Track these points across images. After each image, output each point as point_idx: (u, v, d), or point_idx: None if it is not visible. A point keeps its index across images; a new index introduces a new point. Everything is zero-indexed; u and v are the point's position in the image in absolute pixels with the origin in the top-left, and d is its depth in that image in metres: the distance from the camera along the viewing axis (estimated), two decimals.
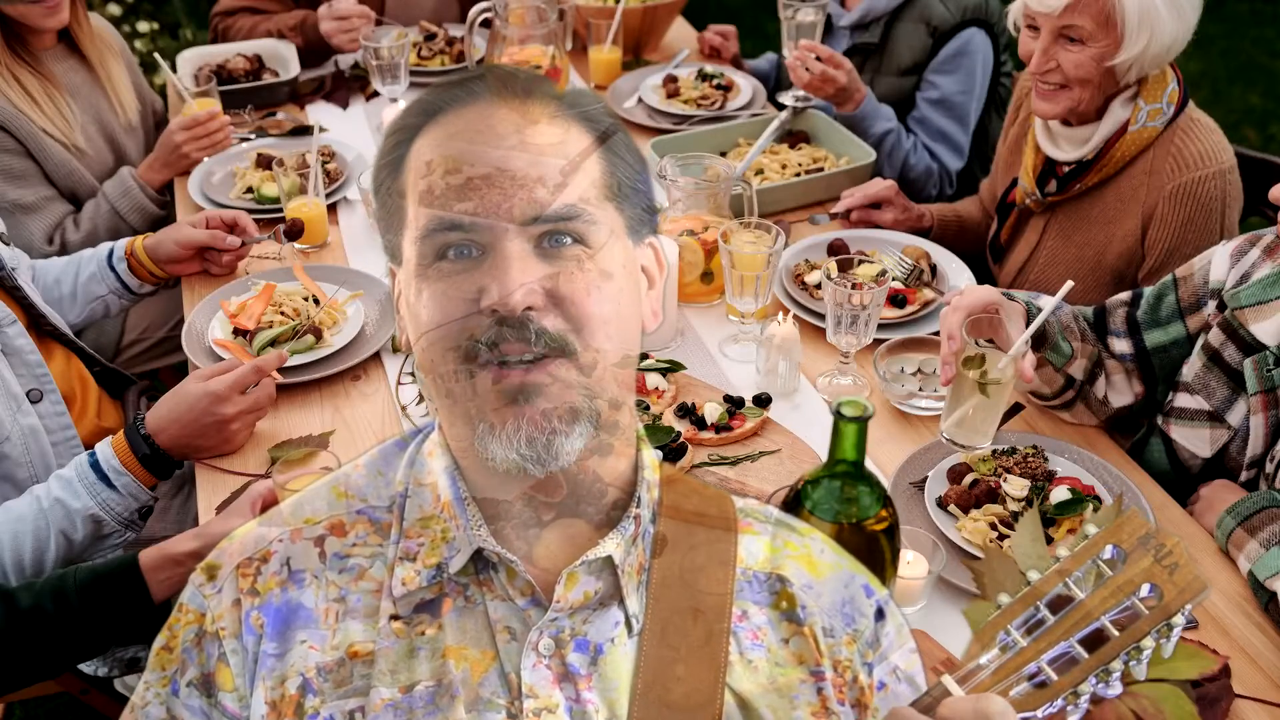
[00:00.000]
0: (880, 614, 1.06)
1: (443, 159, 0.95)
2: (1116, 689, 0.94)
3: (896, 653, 1.07)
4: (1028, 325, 1.75)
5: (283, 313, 2.22)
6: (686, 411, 1.97)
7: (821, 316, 2.15)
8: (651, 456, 1.07)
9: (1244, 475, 1.79)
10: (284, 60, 3.22)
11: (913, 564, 1.58)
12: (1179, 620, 0.93)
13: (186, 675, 1.03)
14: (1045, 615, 0.95)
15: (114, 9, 5.10)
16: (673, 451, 1.87)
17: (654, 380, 2.03)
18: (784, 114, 2.81)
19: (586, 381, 0.95)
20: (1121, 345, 1.91)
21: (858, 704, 1.03)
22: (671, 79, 3.15)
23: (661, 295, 1.07)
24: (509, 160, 0.93)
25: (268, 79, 3.15)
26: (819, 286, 2.26)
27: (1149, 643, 0.93)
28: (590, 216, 0.96)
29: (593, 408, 0.95)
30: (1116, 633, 0.93)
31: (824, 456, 1.38)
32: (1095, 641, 0.94)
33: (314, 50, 3.25)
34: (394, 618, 1.00)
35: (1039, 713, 0.94)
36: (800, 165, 2.72)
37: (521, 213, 0.93)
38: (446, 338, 0.94)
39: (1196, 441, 1.84)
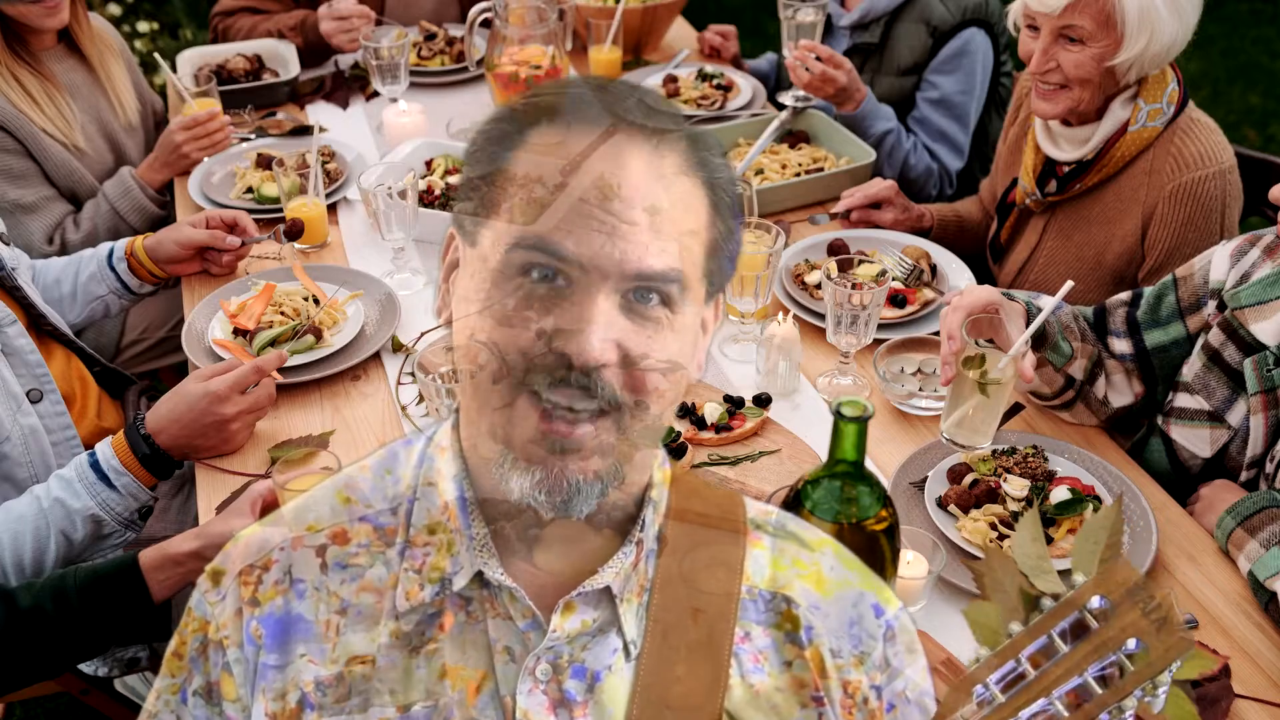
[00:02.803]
0: (890, 634, 1.04)
1: (558, 180, 0.89)
2: None
3: (908, 670, 1.05)
4: (1028, 325, 1.75)
5: (283, 313, 2.22)
6: (686, 411, 1.97)
7: (821, 316, 2.15)
8: (661, 472, 1.04)
9: (1244, 475, 1.79)
10: (284, 60, 3.22)
11: (913, 564, 1.58)
12: (1164, 679, 0.89)
13: (193, 684, 1.03)
14: (1026, 669, 0.90)
15: (114, 9, 5.10)
16: (673, 451, 1.87)
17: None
18: (784, 114, 2.81)
19: (621, 447, 0.93)
20: (1121, 345, 1.91)
21: None
22: (671, 79, 3.15)
23: (709, 343, 1.05)
24: (630, 211, 0.88)
25: (268, 79, 3.15)
26: (819, 286, 2.26)
27: (1131, 703, 0.89)
28: (685, 283, 0.92)
29: (619, 470, 0.93)
30: (1099, 690, 0.89)
31: (824, 456, 1.38)
32: (1078, 698, 0.89)
33: (314, 50, 3.25)
34: (395, 631, 0.99)
35: None
36: (800, 165, 2.72)
37: (626, 267, 0.89)
38: (503, 359, 0.91)
39: (1196, 441, 1.84)
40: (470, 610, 0.99)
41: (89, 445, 1.98)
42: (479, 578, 0.99)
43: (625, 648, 0.99)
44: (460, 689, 0.97)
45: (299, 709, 0.98)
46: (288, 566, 1.02)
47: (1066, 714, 0.89)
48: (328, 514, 1.04)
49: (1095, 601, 0.90)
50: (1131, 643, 0.89)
